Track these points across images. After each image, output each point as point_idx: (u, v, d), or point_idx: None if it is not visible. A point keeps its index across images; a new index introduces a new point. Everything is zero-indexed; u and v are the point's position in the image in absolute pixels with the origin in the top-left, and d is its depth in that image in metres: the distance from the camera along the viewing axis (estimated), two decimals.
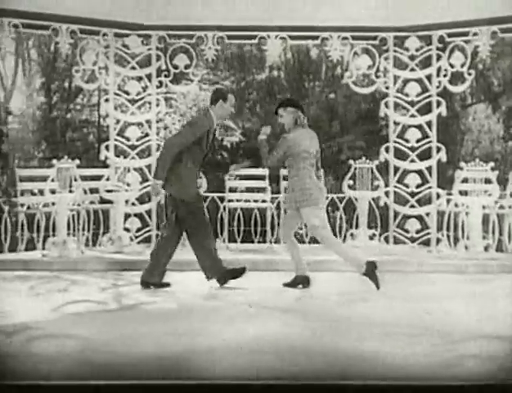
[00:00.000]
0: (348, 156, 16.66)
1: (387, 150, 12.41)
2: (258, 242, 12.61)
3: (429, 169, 12.22)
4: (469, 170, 11.59)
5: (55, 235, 11.22)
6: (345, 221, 12.73)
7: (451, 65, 12.07)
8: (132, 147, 12.45)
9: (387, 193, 12.35)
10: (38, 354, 5.94)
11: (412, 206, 12.30)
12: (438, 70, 12.15)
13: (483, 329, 6.74)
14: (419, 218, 12.29)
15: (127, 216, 12.11)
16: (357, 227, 12.24)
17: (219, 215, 12.44)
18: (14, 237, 11.71)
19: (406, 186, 12.32)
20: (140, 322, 7.09)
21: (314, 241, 13.09)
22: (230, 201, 12.29)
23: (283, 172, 12.58)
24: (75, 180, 11.70)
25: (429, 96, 12.25)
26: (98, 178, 11.98)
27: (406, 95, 12.35)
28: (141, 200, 12.62)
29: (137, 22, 12.01)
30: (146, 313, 7.69)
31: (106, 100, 12.46)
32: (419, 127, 12.33)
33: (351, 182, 12.39)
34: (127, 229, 11.99)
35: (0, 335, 6.64)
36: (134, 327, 6.91)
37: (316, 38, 12.31)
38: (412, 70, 12.30)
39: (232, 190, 12.38)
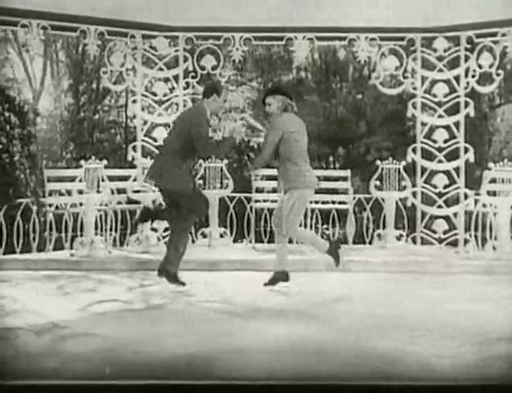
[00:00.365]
0: (374, 157, 16.61)
1: (414, 150, 12.36)
2: None
3: (457, 169, 12.16)
4: (497, 171, 11.53)
5: (82, 235, 11.28)
6: (372, 222, 12.70)
7: (480, 66, 12.00)
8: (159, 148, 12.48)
9: (414, 194, 12.30)
10: (65, 353, 5.98)
11: (440, 207, 12.23)
12: (466, 70, 12.08)
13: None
14: (447, 218, 12.23)
15: None
16: (384, 227, 12.20)
17: (246, 216, 12.46)
18: (42, 236, 11.81)
19: (434, 186, 12.26)
20: (167, 322, 7.11)
21: (341, 241, 13.15)
22: (256, 201, 12.30)
23: None
24: (103, 180, 11.77)
25: (457, 96, 12.18)
26: (125, 178, 12.03)
27: (434, 96, 12.29)
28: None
29: (165, 24, 12.04)
30: (173, 313, 7.70)
31: (134, 101, 12.50)
32: (447, 127, 12.27)
33: (378, 182, 12.35)
34: (154, 229, 12.02)
35: (29, 334, 6.69)
36: (161, 326, 6.94)
37: (344, 38, 12.28)
38: (440, 70, 12.23)
39: (259, 190, 12.38)
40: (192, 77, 12.28)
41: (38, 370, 5.52)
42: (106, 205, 11.59)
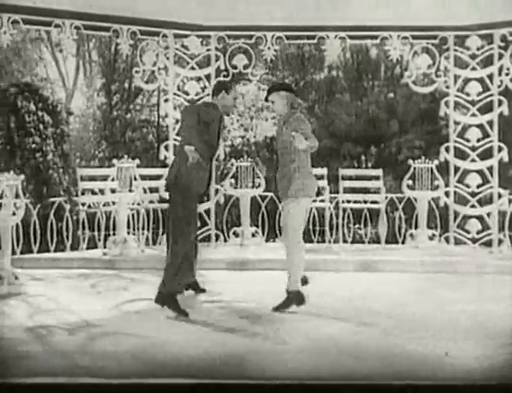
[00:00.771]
0: (407, 156, 16.54)
1: (447, 149, 12.27)
2: (317, 242, 12.58)
3: (490, 168, 12.06)
4: None
5: (115, 234, 11.34)
6: (404, 221, 12.65)
7: None
8: None
9: (447, 193, 12.22)
10: (97, 352, 6.02)
11: (473, 206, 12.14)
12: (500, 68, 11.98)
13: None
14: (480, 218, 12.13)
15: None
16: (416, 227, 12.14)
17: (278, 215, 12.45)
18: (75, 235, 11.89)
19: (467, 186, 12.16)
20: (199, 322, 7.12)
21: (374, 241, 13.12)
22: None
23: (342, 172, 12.56)
24: (135, 179, 11.82)
25: (491, 95, 12.08)
26: (157, 177, 12.05)
27: (467, 94, 12.20)
28: (200, 200, 12.67)
29: (197, 23, 12.06)
30: (205, 312, 7.71)
31: (166, 100, 12.53)
32: (480, 126, 12.17)
33: (410, 182, 12.28)
34: None
35: (62, 331, 6.74)
36: (194, 326, 6.95)
37: (376, 37, 12.23)
38: (473, 69, 12.14)
39: None
40: (224, 76, 12.27)
41: (70, 368, 5.55)
42: (139, 204, 11.64)
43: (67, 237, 11.73)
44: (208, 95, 12.37)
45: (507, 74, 11.91)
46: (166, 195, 8.65)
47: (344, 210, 12.38)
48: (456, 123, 12.36)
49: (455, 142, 12.26)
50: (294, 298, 7.56)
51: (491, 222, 11.93)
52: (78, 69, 23.61)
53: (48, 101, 15.42)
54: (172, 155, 12.35)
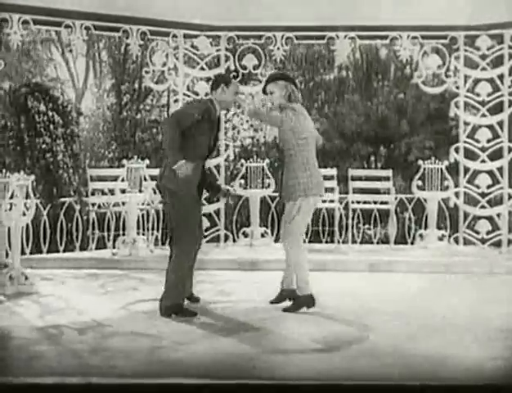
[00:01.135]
0: (416, 157, 16.52)
1: (457, 150, 12.25)
2: (326, 242, 12.59)
3: (500, 169, 12.03)
4: None
5: (125, 234, 11.36)
6: (414, 222, 12.64)
7: None
8: None
9: (457, 194, 12.20)
10: (107, 351, 6.03)
11: (483, 207, 12.11)
12: (511, 69, 11.95)
13: None
14: (490, 219, 12.11)
15: None
16: (426, 228, 12.13)
17: None
18: (85, 235, 11.92)
19: (477, 186, 12.14)
20: (208, 322, 7.12)
21: (383, 241, 13.11)
22: None
23: (351, 172, 12.56)
24: (145, 180, 11.83)
25: (501, 95, 12.05)
26: None
27: (477, 95, 12.18)
28: (210, 200, 12.69)
29: (206, 23, 12.08)
30: (215, 313, 7.70)
31: (176, 100, 12.55)
32: (490, 127, 12.14)
33: (420, 182, 12.26)
34: None
35: (71, 331, 6.76)
36: (203, 326, 6.96)
37: (386, 37, 12.22)
38: (483, 69, 12.12)
39: None
40: (234, 76, 12.26)
41: (81, 367, 5.57)
42: (148, 204, 11.65)
43: (77, 238, 11.77)
44: None
45: None
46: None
47: (354, 211, 12.38)
48: (466, 123, 12.33)
49: (465, 142, 12.23)
50: (305, 301, 7.49)
51: (501, 222, 11.90)
52: (88, 69, 23.67)
53: (58, 102, 15.46)
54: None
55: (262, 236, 12.27)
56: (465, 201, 12.28)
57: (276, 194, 12.29)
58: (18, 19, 10.93)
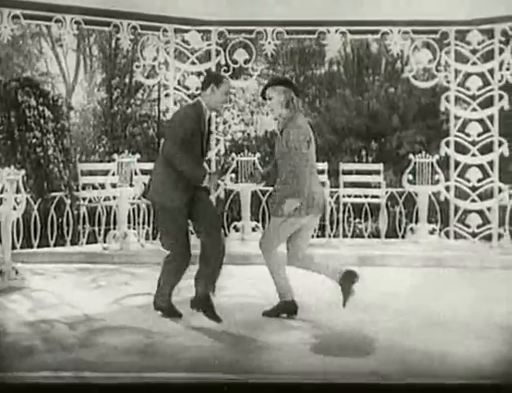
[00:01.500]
0: (407, 151, 16.55)
1: (447, 144, 12.27)
2: (317, 236, 12.58)
3: (491, 163, 12.05)
4: None
5: (115, 228, 11.35)
6: (405, 216, 12.66)
7: None
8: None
9: (447, 188, 12.22)
10: (99, 346, 6.03)
11: (473, 201, 12.14)
12: (501, 63, 11.97)
13: None
14: (481, 212, 12.14)
15: None
16: (416, 222, 12.15)
17: None
18: (76, 230, 11.91)
19: (467, 180, 12.16)
20: (202, 316, 7.11)
21: (374, 235, 13.12)
22: None
23: (343, 166, 12.57)
24: (136, 174, 11.83)
25: (491, 89, 12.08)
26: None
27: (468, 89, 12.20)
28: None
29: (197, 18, 12.06)
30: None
31: (166, 95, 12.54)
32: (481, 121, 12.17)
33: (411, 176, 12.28)
34: None
35: (62, 326, 6.75)
36: (197, 320, 6.95)
37: (376, 32, 12.23)
38: (474, 63, 12.14)
39: None
40: (225, 71, 12.26)
41: (72, 362, 5.57)
42: (139, 198, 11.64)
43: (67, 232, 11.76)
44: None
45: (508, 69, 11.91)
46: None
47: (345, 205, 12.39)
48: (457, 117, 12.36)
49: (456, 136, 12.26)
50: (283, 308, 7.15)
51: (492, 216, 11.93)
52: (79, 64, 23.61)
53: (49, 96, 15.42)
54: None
55: (254, 230, 12.27)
56: (456, 195, 12.31)
57: (268, 188, 12.35)
58: (8, 13, 10.90)
